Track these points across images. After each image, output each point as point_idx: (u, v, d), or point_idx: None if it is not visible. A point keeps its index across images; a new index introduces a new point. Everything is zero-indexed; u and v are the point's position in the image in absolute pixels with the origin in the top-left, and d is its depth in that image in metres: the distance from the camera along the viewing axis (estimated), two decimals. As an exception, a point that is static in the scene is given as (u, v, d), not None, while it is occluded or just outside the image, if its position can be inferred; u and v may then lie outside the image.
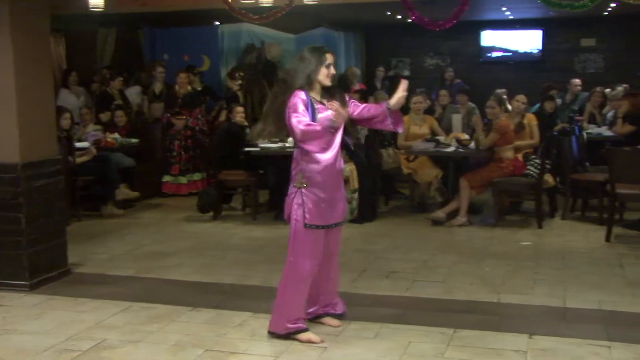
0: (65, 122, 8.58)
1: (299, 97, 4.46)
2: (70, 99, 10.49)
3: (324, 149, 4.45)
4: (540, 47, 15.44)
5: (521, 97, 8.71)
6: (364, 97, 9.80)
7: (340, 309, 4.92)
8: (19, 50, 5.69)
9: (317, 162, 4.45)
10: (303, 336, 4.56)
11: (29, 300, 5.55)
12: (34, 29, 5.91)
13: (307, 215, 4.45)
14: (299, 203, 4.48)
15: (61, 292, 5.73)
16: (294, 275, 4.55)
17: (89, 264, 6.65)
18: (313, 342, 4.53)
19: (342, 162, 4.61)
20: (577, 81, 11.88)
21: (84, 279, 6.17)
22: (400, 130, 4.77)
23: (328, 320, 4.85)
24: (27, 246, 5.76)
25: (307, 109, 4.44)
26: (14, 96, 5.68)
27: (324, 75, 4.53)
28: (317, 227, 4.49)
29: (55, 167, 6.09)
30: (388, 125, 4.65)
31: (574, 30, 15.15)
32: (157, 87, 10.90)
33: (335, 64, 4.67)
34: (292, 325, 4.58)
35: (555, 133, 8.69)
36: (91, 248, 7.23)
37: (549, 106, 9.85)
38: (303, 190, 4.48)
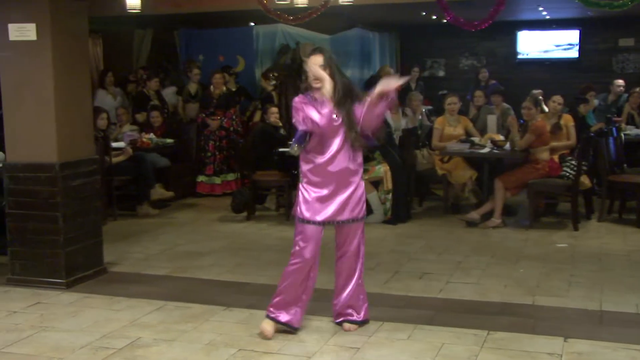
0: (102, 122, 8.69)
1: (294, 103, 4.60)
2: (107, 99, 10.61)
3: (321, 152, 4.56)
4: (577, 47, 15.23)
5: (557, 98, 8.62)
6: (398, 97, 9.78)
7: (361, 315, 4.86)
8: (58, 51, 5.78)
9: (310, 162, 4.61)
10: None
11: (66, 298, 5.63)
12: (73, 30, 6.00)
13: (299, 210, 4.62)
14: (297, 198, 4.67)
15: (97, 291, 5.80)
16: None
17: (125, 263, 6.72)
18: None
19: (345, 163, 4.59)
20: (620, 82, 11.69)
21: (119, 277, 6.24)
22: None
23: (345, 325, 4.83)
24: (64, 245, 5.85)
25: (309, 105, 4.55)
26: (53, 96, 5.77)
27: (310, 80, 4.56)
28: (308, 222, 4.58)
29: (92, 167, 6.17)
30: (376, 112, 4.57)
31: (611, 30, 14.91)
32: (192, 87, 10.98)
33: (330, 65, 4.56)
34: (271, 312, 4.71)
35: (592, 134, 8.58)
36: (126, 247, 7.31)
37: (583, 109, 9.73)
38: (300, 186, 4.66)
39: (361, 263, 4.83)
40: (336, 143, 4.57)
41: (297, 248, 4.63)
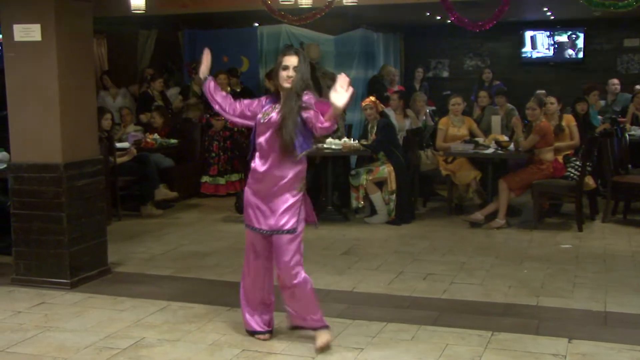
0: (106, 123, 8.70)
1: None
2: (107, 100, 10.64)
3: (258, 155, 4.48)
4: (581, 47, 15.22)
5: (550, 99, 8.63)
6: (402, 98, 9.79)
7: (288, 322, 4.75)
8: (62, 52, 5.79)
9: (251, 167, 4.55)
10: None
11: (70, 298, 5.64)
12: (78, 31, 6.01)
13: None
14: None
15: (101, 291, 5.81)
16: None
17: (129, 263, 6.73)
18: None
19: (278, 170, 4.40)
20: (615, 81, 11.68)
21: (123, 278, 6.24)
22: (325, 125, 4.24)
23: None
24: (68, 245, 5.85)
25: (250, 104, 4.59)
26: (57, 97, 5.77)
27: (282, 79, 4.37)
28: (246, 226, 4.67)
29: (96, 168, 6.17)
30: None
31: (616, 31, 14.89)
32: (198, 88, 10.99)
33: (299, 66, 4.35)
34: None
35: (597, 135, 8.57)
36: (131, 247, 7.31)
37: (579, 107, 9.71)
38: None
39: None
40: (265, 143, 4.41)
41: (246, 249, 4.79)
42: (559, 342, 4.55)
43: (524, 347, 4.49)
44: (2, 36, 5.94)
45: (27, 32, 5.76)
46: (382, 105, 8.87)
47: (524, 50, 15.65)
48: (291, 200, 4.44)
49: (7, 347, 4.61)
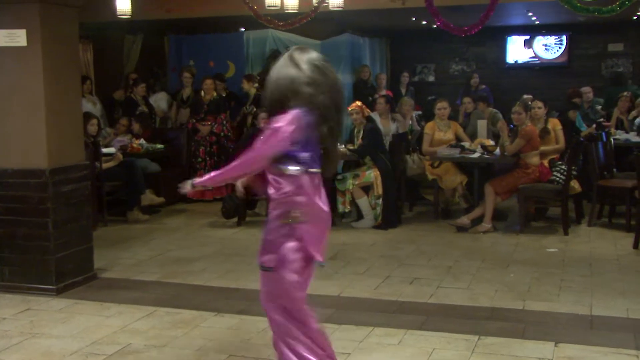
0: (92, 128, 8.67)
1: None
2: (88, 106, 10.60)
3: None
4: (566, 52, 15.31)
5: (536, 103, 8.64)
6: (389, 103, 9.81)
7: None
8: (48, 57, 5.77)
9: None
10: None
11: (56, 304, 5.61)
12: (64, 36, 6.00)
13: None
14: None
15: (87, 297, 5.79)
16: None
17: (115, 268, 6.70)
18: None
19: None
20: (588, 89, 11.64)
21: (109, 283, 6.22)
22: None
23: None
24: (54, 251, 5.83)
25: None
26: (43, 102, 5.76)
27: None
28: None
29: (82, 173, 6.15)
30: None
31: (601, 35, 15.00)
32: (186, 92, 10.98)
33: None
34: None
35: (582, 139, 8.62)
36: (117, 253, 7.29)
37: (572, 115, 9.77)
38: None
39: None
40: None
41: None
42: (545, 345, 4.57)
43: (510, 351, 4.50)
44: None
45: (13, 37, 5.74)
46: (368, 109, 8.88)
47: (509, 54, 15.72)
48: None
49: (-8, 354, 4.59)
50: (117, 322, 5.16)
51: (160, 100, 11.38)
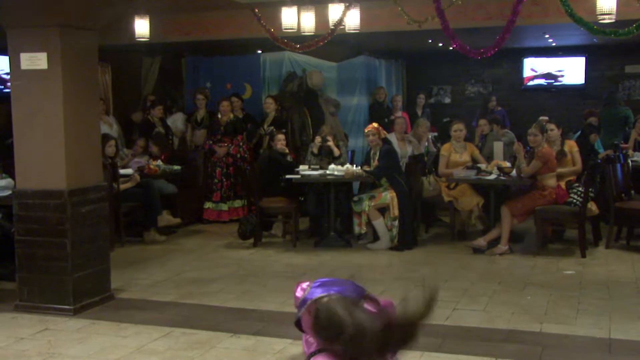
0: (110, 150, 8.76)
1: None
2: (104, 128, 10.70)
3: None
4: (583, 74, 15.29)
5: (549, 125, 8.55)
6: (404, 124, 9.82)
7: None
8: (68, 80, 5.85)
9: None
10: None
11: (73, 324, 5.64)
12: (83, 59, 6.08)
13: None
14: None
15: (104, 317, 5.81)
16: None
17: (131, 289, 6.73)
18: None
19: None
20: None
21: (126, 304, 6.24)
22: None
23: None
24: (72, 271, 5.87)
25: None
26: (62, 124, 5.82)
27: None
28: None
29: (100, 194, 6.21)
30: None
31: (618, 57, 14.97)
32: (200, 114, 11.06)
33: None
34: None
35: (599, 160, 8.59)
36: (133, 273, 7.32)
37: (593, 138, 9.76)
38: None
39: None
40: None
41: None
42: (562, 368, 4.54)
43: (527, 373, 4.47)
44: (9, 64, 6.00)
45: (34, 61, 5.82)
46: (384, 131, 8.91)
47: (525, 76, 15.72)
48: None
49: (10, 373, 4.61)
50: (133, 342, 5.18)
51: (177, 121, 11.46)
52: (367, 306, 3.28)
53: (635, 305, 6.01)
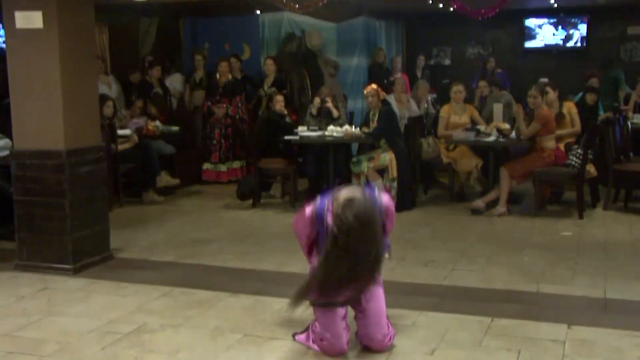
0: (108, 110, 8.73)
1: None
2: (102, 88, 10.63)
3: None
4: (585, 35, 15.16)
5: (548, 89, 8.52)
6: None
7: None
8: (64, 39, 5.80)
9: None
10: None
11: (73, 284, 5.67)
12: (80, 18, 6.01)
13: None
14: None
15: (104, 277, 5.85)
16: None
17: (131, 249, 6.76)
18: None
19: None
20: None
21: (125, 264, 6.28)
22: None
23: None
24: (71, 231, 5.89)
25: None
26: (59, 84, 5.79)
27: None
28: None
29: (98, 155, 6.20)
30: None
31: (620, 18, 14.82)
32: (198, 75, 11.01)
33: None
34: None
35: (599, 123, 8.57)
36: (133, 234, 7.35)
37: (590, 98, 9.72)
38: None
39: None
40: None
41: None
42: (558, 328, 4.57)
43: (523, 333, 4.51)
44: (4, 23, 5.95)
45: (29, 20, 5.77)
46: (383, 92, 8.87)
47: (526, 38, 15.60)
48: None
49: (11, 331, 4.65)
50: (133, 301, 5.22)
51: (175, 82, 11.40)
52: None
53: (631, 266, 6.05)
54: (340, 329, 4.18)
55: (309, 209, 4.26)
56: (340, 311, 4.19)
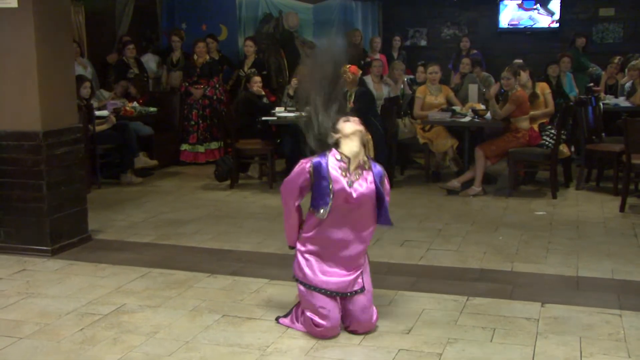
0: (85, 91, 8.67)
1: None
2: (78, 70, 10.55)
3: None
4: (558, 17, 15.26)
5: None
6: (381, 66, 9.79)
7: None
8: (40, 19, 5.75)
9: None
10: None
11: (51, 265, 5.68)
12: (55, -2, 5.96)
13: None
14: None
15: (82, 258, 5.85)
16: None
17: (109, 230, 6.77)
18: None
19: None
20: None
21: (104, 245, 6.28)
22: None
23: None
24: (48, 213, 5.88)
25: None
26: (35, 65, 5.75)
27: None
28: None
29: (75, 136, 6.17)
30: None
31: (592, 0, 14.96)
32: (175, 56, 10.96)
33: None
34: None
35: (572, 103, 8.67)
36: (111, 215, 7.35)
37: (551, 70, 9.84)
38: None
39: None
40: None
41: None
42: (532, 306, 4.67)
43: (498, 311, 4.60)
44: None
45: (4, -1, 5.71)
46: (359, 70, 8.88)
47: (500, 19, 15.67)
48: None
49: (-11, 313, 4.66)
50: (111, 282, 5.24)
51: (149, 62, 11.33)
52: None
53: (603, 244, 6.17)
54: (338, 316, 4.23)
55: (306, 161, 4.52)
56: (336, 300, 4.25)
